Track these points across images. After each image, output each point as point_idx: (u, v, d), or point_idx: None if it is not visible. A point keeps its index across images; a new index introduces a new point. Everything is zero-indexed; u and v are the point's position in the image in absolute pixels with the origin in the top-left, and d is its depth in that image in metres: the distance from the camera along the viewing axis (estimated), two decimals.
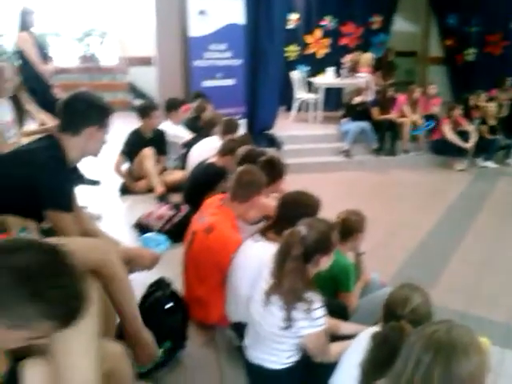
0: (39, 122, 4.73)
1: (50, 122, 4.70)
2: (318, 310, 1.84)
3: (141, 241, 2.54)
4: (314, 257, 1.89)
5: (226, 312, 2.43)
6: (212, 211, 2.59)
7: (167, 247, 2.56)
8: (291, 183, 2.72)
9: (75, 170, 3.46)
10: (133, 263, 2.13)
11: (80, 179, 4.32)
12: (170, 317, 2.28)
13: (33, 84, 5.00)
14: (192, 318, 2.48)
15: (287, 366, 1.98)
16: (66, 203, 2.08)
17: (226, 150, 3.64)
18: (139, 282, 2.21)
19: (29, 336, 1.14)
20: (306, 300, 1.82)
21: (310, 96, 7.51)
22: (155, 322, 2.21)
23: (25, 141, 3.73)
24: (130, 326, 1.90)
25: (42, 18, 6.02)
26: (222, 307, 2.44)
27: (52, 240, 1.52)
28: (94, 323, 1.49)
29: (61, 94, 5.65)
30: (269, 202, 2.81)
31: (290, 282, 1.83)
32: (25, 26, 5.47)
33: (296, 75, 7.58)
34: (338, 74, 7.64)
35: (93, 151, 2.22)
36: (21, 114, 4.39)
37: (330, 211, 2.40)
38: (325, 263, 1.95)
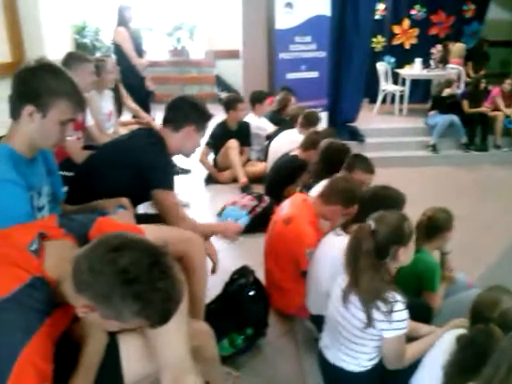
0: (133, 113, 4.99)
1: (143, 113, 4.95)
2: (400, 313, 1.73)
3: (223, 217, 2.64)
4: (389, 250, 1.79)
5: (305, 303, 2.45)
6: (294, 204, 2.62)
7: (247, 221, 2.64)
8: (374, 177, 2.67)
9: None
10: (218, 236, 2.37)
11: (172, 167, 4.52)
12: (252, 304, 2.34)
13: (127, 77, 5.25)
14: (272, 306, 2.53)
15: (367, 368, 1.89)
16: (170, 182, 2.26)
17: (309, 144, 3.63)
18: (221, 269, 2.29)
19: (120, 326, 1.21)
20: (386, 300, 1.72)
21: (396, 88, 7.28)
22: (238, 309, 2.29)
23: (122, 131, 3.98)
24: (195, 311, 1.94)
25: (136, 13, 6.30)
26: (302, 298, 2.46)
27: (149, 228, 1.60)
28: (184, 302, 1.57)
29: (152, 87, 5.91)
30: None
31: (366, 279, 1.75)
32: (122, 21, 5.76)
33: (381, 66, 7.38)
34: (426, 65, 7.34)
35: (187, 150, 2.39)
36: (119, 106, 4.65)
37: (414, 207, 2.33)
38: (405, 257, 1.83)
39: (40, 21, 6.28)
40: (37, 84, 1.63)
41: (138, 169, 2.19)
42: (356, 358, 1.88)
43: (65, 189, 2.14)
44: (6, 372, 1.11)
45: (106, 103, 4.10)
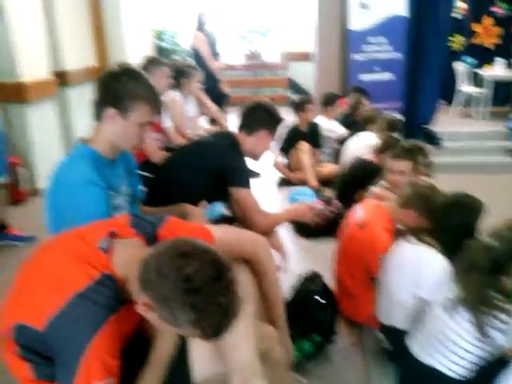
0: (211, 115, 5.08)
1: (221, 116, 5.03)
2: None
3: (289, 199, 2.62)
4: (506, 267, 1.73)
5: (375, 312, 2.37)
6: (368, 209, 2.54)
7: (315, 198, 2.62)
8: (451, 184, 2.52)
9: None
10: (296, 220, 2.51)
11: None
12: (320, 311, 2.29)
13: (204, 80, 5.37)
14: (341, 313, 2.47)
15: (466, 375, 1.82)
16: (247, 180, 2.36)
17: (384, 148, 3.52)
18: (288, 273, 2.26)
19: (175, 331, 1.21)
20: (500, 314, 1.68)
21: (476, 89, 6.91)
22: (305, 315, 2.25)
23: (201, 133, 4.08)
24: (273, 313, 1.92)
25: (211, 16, 6.43)
26: (373, 306, 2.38)
27: (216, 229, 1.60)
28: (252, 306, 1.56)
29: (227, 90, 5.99)
30: None
31: (479, 295, 1.71)
32: (200, 26, 5.89)
33: (460, 67, 7.02)
34: (509, 65, 6.91)
35: (258, 153, 2.49)
36: (199, 109, 4.75)
37: (495, 218, 2.18)
38: None
39: (122, 27, 6.56)
40: (118, 88, 1.69)
41: (218, 170, 2.27)
42: (457, 364, 1.81)
43: (144, 189, 2.21)
44: (73, 365, 1.15)
45: (189, 107, 4.22)
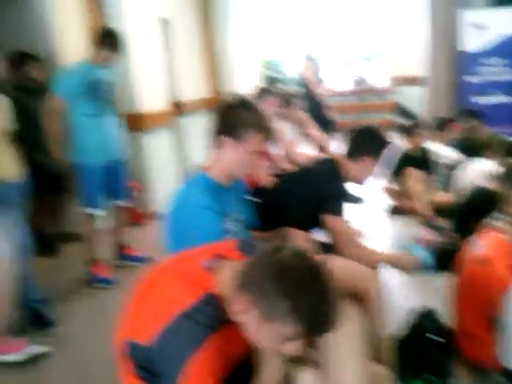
0: (317, 143, 5.08)
1: (326, 142, 5.01)
2: None
3: (400, 246, 2.53)
4: None
5: (497, 355, 2.15)
6: (490, 243, 2.34)
7: (427, 257, 2.48)
8: None
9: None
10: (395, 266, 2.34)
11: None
12: (435, 349, 2.14)
13: (309, 106, 5.39)
14: (458, 353, 2.28)
15: None
16: (340, 208, 2.33)
17: (507, 177, 3.25)
18: (397, 308, 2.15)
19: (280, 334, 1.16)
20: None
21: None
22: (420, 353, 2.10)
23: (303, 159, 4.08)
24: (378, 351, 1.82)
25: (318, 43, 6.50)
26: (494, 348, 2.17)
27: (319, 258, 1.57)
28: (358, 341, 1.49)
29: (333, 116, 5.97)
30: None
31: None
32: (307, 54, 5.97)
33: None
34: None
35: (362, 179, 2.46)
36: (304, 136, 4.79)
37: None
38: None
39: (232, 58, 6.84)
40: (233, 118, 1.77)
41: (317, 196, 2.29)
42: None
43: (255, 215, 2.24)
44: (172, 383, 1.16)
45: (292, 134, 4.27)
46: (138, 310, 1.32)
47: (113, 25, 4.50)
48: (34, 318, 2.94)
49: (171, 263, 1.44)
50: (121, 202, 3.71)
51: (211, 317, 1.23)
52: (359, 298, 1.68)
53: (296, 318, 1.11)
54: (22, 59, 3.84)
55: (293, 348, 1.17)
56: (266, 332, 1.16)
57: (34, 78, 3.88)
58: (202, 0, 6.66)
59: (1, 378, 2.53)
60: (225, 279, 1.27)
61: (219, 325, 1.24)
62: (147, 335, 1.21)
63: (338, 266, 1.70)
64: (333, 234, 2.30)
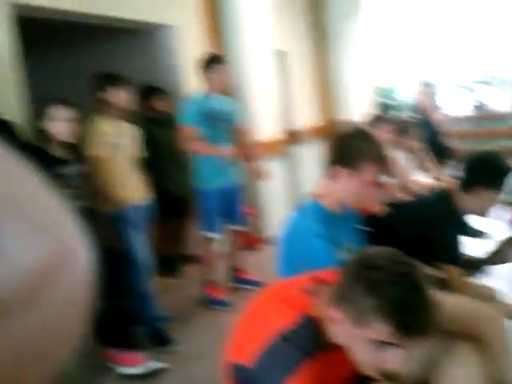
0: (432, 174, 4.86)
1: (441, 173, 4.77)
2: None
3: None
4: None
5: None
6: None
7: None
8: None
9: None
10: None
11: (466, 229, 4.19)
12: None
13: (425, 133, 5.20)
14: None
15: None
16: (457, 258, 2.15)
17: None
18: None
19: (373, 338, 1.12)
20: None
21: None
22: None
23: (418, 188, 3.93)
24: None
25: (433, 67, 6.28)
26: None
27: (447, 297, 1.49)
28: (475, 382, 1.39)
29: (451, 142, 5.68)
30: None
31: None
32: (422, 79, 5.79)
33: None
34: None
35: (480, 211, 2.25)
36: (419, 165, 4.61)
37: None
38: None
39: (346, 86, 6.85)
40: (349, 148, 1.77)
41: (432, 234, 2.14)
42: None
43: (367, 244, 2.21)
44: None
45: (406, 162, 4.14)
46: (242, 332, 1.36)
47: (232, 58, 4.79)
48: (155, 335, 3.14)
49: (275, 288, 1.47)
50: (237, 227, 3.85)
51: (308, 340, 1.22)
52: (479, 340, 1.56)
53: (383, 314, 1.08)
54: (149, 92, 4.21)
55: (394, 360, 1.12)
56: (361, 340, 1.14)
57: (161, 109, 4.23)
58: (316, 30, 6.81)
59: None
60: (323, 301, 1.27)
61: (317, 350, 1.23)
62: (249, 356, 1.25)
63: (454, 304, 1.61)
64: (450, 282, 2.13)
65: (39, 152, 2.52)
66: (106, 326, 2.81)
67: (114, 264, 2.83)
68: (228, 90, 3.72)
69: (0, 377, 0.21)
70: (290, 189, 5.52)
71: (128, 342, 2.87)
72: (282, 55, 5.78)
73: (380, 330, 1.10)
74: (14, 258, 0.22)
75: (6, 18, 2.63)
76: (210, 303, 3.67)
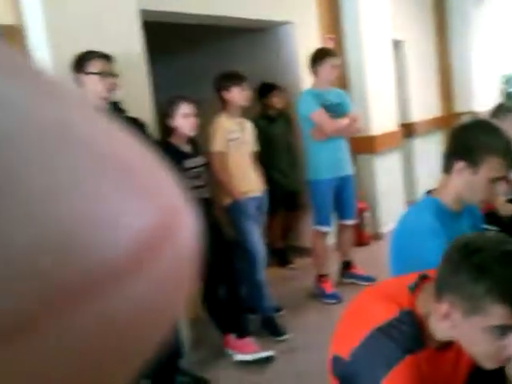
0: None
1: None
2: None
3: None
4: None
5: None
6: None
7: None
8: None
9: None
10: None
11: None
12: None
13: None
14: None
15: None
16: None
17: None
18: None
19: (490, 323, 1.04)
20: None
21: None
22: None
23: None
24: None
25: None
26: None
27: None
28: None
29: None
30: None
31: None
32: None
33: None
34: None
35: None
36: None
37: None
38: None
39: (470, 74, 6.41)
40: (470, 141, 1.66)
41: None
42: None
43: None
44: None
45: None
46: (343, 325, 1.37)
47: (350, 51, 4.73)
48: (267, 325, 3.23)
49: (381, 284, 1.45)
50: (348, 221, 3.82)
51: (406, 334, 1.18)
52: None
53: (498, 297, 1.01)
54: (268, 89, 4.32)
55: None
56: (477, 330, 1.06)
57: (278, 106, 4.32)
58: (437, 16, 6.45)
59: (237, 374, 2.86)
60: (425, 298, 1.22)
61: (416, 345, 1.18)
62: (346, 349, 1.24)
63: None
64: None
65: (169, 147, 2.73)
66: (223, 313, 2.96)
67: (232, 253, 2.97)
68: (340, 83, 3.68)
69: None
70: (405, 183, 5.33)
71: (244, 330, 2.99)
72: (398, 45, 5.56)
73: (497, 313, 1.03)
74: (119, 223, 0.18)
75: (136, 25, 2.86)
76: (321, 296, 3.68)
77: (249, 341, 2.98)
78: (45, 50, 2.50)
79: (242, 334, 2.96)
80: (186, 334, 3.06)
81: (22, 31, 2.58)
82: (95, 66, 2.40)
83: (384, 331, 1.20)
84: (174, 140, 2.81)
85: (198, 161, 2.86)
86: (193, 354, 3.01)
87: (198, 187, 2.80)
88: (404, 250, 1.75)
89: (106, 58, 2.44)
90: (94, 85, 2.41)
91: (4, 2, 2.52)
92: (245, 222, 3.14)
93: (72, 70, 2.44)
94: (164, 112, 2.85)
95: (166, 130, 2.84)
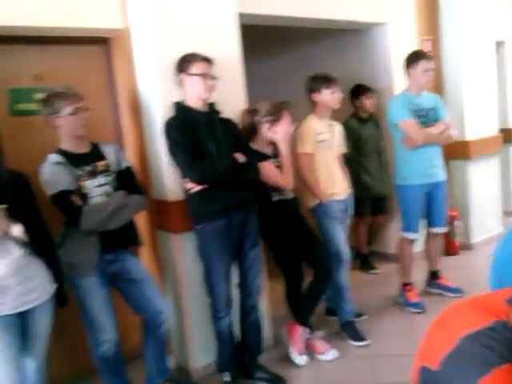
0: None
1: None
2: None
3: None
4: None
5: None
6: None
7: None
8: None
9: None
10: None
11: None
12: None
13: None
14: None
15: None
16: None
17: None
18: None
19: None
20: None
21: None
22: None
23: None
24: None
25: None
26: None
27: None
28: None
29: None
30: None
31: None
32: None
33: None
34: None
35: None
36: None
37: None
38: None
39: None
40: None
41: None
42: None
43: None
44: None
45: None
46: (430, 335, 1.31)
47: (448, 55, 4.51)
48: (346, 328, 3.18)
49: (475, 297, 1.37)
50: (438, 229, 3.64)
51: (501, 343, 1.11)
52: None
53: None
54: (359, 91, 4.23)
55: None
56: None
57: (369, 108, 4.22)
58: None
59: (313, 374, 2.84)
60: None
61: (510, 355, 1.12)
62: (434, 358, 1.20)
63: None
64: None
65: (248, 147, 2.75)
66: (301, 304, 2.94)
67: (320, 253, 2.94)
68: (434, 87, 3.50)
69: None
70: (502, 192, 4.98)
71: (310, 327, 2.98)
72: (499, 46, 5.20)
73: None
74: None
75: (234, 28, 2.92)
76: (404, 304, 3.56)
77: (324, 343, 3.01)
78: (151, 52, 2.65)
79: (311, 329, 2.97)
80: (267, 331, 3.10)
81: (129, 34, 2.75)
82: (198, 67, 2.49)
83: (476, 338, 1.13)
84: (254, 144, 2.84)
85: (274, 161, 2.85)
86: (272, 351, 3.04)
87: (280, 188, 2.82)
88: (504, 266, 1.64)
89: (208, 60, 2.52)
90: (195, 85, 2.50)
91: (113, 7, 2.70)
92: (330, 225, 3.11)
93: (176, 70, 2.56)
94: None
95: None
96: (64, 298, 2.18)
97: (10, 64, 2.59)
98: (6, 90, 2.58)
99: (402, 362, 2.83)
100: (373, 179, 4.22)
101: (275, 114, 2.78)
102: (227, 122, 2.64)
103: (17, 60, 2.61)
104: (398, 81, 4.01)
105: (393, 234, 4.28)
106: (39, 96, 2.42)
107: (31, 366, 2.11)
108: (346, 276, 3.17)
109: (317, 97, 3.13)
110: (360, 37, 4.38)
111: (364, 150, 4.19)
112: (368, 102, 4.21)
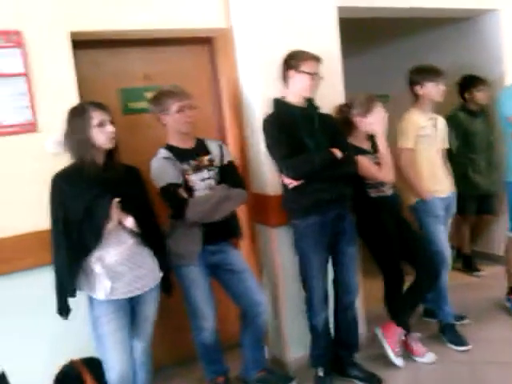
0: None
1: None
2: None
3: None
4: None
5: None
6: None
7: None
8: None
9: None
10: None
11: None
12: None
13: None
14: None
15: None
16: None
17: None
18: None
19: None
20: None
21: None
22: None
23: None
24: None
25: None
26: None
27: None
28: None
29: None
30: None
31: None
32: None
33: None
34: None
35: None
36: None
37: None
38: None
39: None
40: None
41: None
42: None
43: None
44: None
45: None
46: None
47: None
48: (446, 331, 3.02)
49: None
50: None
51: None
52: None
53: None
54: (469, 83, 3.94)
55: None
56: None
57: (480, 101, 3.92)
58: None
59: (409, 375, 2.73)
60: None
61: None
62: None
63: None
64: None
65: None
66: (401, 304, 2.82)
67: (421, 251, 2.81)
68: None
69: None
70: None
71: (407, 328, 2.86)
72: None
73: None
74: None
75: (333, 22, 2.86)
76: (511, 310, 3.30)
77: (421, 345, 2.90)
78: (253, 50, 2.68)
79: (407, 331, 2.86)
80: (364, 330, 3.03)
81: (232, 33, 2.80)
82: (308, 66, 2.46)
83: None
84: (353, 139, 2.76)
85: (372, 157, 2.75)
86: (366, 350, 2.96)
87: (379, 184, 2.73)
88: None
89: (317, 59, 2.49)
90: (302, 83, 2.48)
91: (217, 8, 2.76)
92: (431, 224, 2.96)
93: (283, 65, 2.53)
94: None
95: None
96: (170, 286, 2.29)
97: (121, 65, 2.74)
98: (119, 89, 2.74)
99: (507, 371, 2.65)
100: (480, 176, 3.93)
101: (367, 106, 2.69)
102: (326, 118, 2.59)
103: (128, 61, 2.76)
104: (510, 71, 3.69)
105: (500, 234, 3.97)
106: (149, 95, 2.55)
107: (138, 347, 2.24)
108: (447, 276, 3.01)
109: (419, 90, 2.98)
110: (469, 25, 4.09)
111: (472, 145, 3.91)
112: (479, 95, 3.90)
